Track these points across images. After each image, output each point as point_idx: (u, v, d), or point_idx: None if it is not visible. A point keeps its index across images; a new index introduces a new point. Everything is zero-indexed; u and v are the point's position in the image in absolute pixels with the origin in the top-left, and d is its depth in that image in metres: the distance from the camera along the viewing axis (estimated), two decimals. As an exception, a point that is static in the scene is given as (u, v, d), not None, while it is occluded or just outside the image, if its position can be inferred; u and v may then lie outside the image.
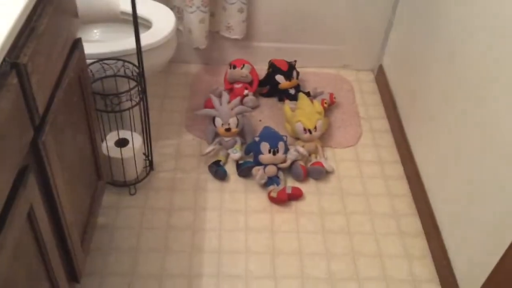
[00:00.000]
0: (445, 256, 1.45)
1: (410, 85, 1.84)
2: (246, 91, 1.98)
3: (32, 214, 0.89)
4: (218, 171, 1.70)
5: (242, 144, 1.80)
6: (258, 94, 2.04)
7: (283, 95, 2.01)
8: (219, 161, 1.74)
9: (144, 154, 1.69)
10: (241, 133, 1.82)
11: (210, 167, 1.73)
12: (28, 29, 0.90)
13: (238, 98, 1.82)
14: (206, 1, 1.86)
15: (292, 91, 2.01)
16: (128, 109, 1.46)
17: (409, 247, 1.55)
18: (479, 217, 1.30)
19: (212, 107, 1.81)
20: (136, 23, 1.37)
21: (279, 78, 2.00)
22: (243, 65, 1.98)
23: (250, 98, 1.97)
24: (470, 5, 1.41)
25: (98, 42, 1.67)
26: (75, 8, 1.13)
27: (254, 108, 1.98)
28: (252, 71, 2.00)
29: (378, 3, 2.03)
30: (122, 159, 1.54)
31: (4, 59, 0.79)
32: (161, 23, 1.63)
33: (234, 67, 1.98)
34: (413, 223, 1.62)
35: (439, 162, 1.56)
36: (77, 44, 1.16)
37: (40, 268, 0.96)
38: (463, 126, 1.41)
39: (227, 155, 1.78)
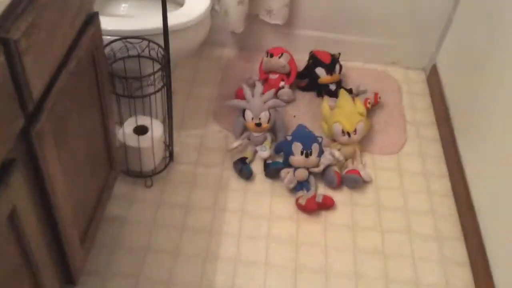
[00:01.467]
0: (494, 294, 1.26)
1: (468, 90, 1.63)
2: (282, 83, 1.80)
3: (15, 216, 0.76)
4: (243, 169, 1.55)
5: (272, 141, 1.63)
6: (295, 86, 1.86)
7: (322, 90, 1.83)
8: (246, 158, 1.58)
9: (165, 143, 1.55)
10: (272, 129, 1.65)
11: (235, 164, 1.58)
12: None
13: (272, 90, 1.65)
14: (247, -20, 1.69)
15: (332, 87, 1.82)
16: (149, 95, 1.32)
17: (451, 276, 1.36)
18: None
19: (244, 97, 1.65)
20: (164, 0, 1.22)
21: (320, 71, 1.81)
22: (282, 54, 1.80)
23: (285, 91, 1.79)
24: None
25: (124, 18, 1.53)
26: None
27: (289, 102, 1.81)
28: (291, 61, 1.82)
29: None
30: (139, 148, 1.41)
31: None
32: (195, 1, 1.48)
33: (271, 55, 1.81)
34: (458, 249, 1.43)
35: (494, 183, 1.35)
36: (92, 19, 1.02)
37: (23, 272, 0.84)
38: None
39: (255, 152, 1.62)
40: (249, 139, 1.63)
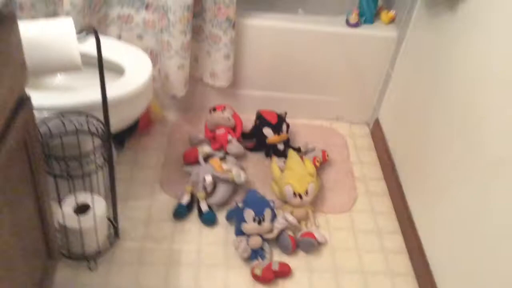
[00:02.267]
0: None
1: (411, 143, 1.66)
2: (229, 137, 1.77)
3: None
4: (205, 217, 1.56)
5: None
6: (243, 145, 1.83)
7: (270, 150, 1.81)
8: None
9: (108, 219, 1.45)
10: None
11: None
12: None
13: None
14: (187, 45, 1.67)
15: (281, 146, 1.81)
16: (90, 173, 1.23)
17: None
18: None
19: (193, 159, 1.61)
20: (102, 72, 1.16)
21: (267, 131, 1.80)
22: (224, 108, 1.78)
23: (234, 145, 1.75)
24: (482, 57, 1.24)
25: (60, 90, 1.46)
26: (22, 58, 0.92)
27: (238, 156, 1.77)
28: (234, 115, 1.81)
29: (375, 53, 1.86)
30: (81, 228, 1.30)
31: None
32: (135, 69, 1.43)
33: (215, 110, 1.78)
34: (418, 310, 1.41)
35: (446, 236, 1.36)
36: (22, 103, 0.94)
37: None
38: (476, 193, 1.22)
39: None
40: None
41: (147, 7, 1.65)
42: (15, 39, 0.87)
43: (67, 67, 1.01)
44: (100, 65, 1.13)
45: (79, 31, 1.04)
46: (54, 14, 1.64)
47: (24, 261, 1.00)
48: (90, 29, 1.05)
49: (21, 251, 0.98)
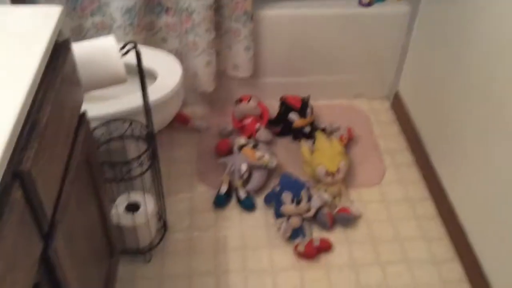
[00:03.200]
0: (498, 311, 1.32)
1: (433, 112, 1.73)
2: (257, 125, 1.85)
3: None
4: (244, 203, 1.67)
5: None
6: (271, 131, 1.91)
7: (298, 134, 1.89)
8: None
9: (158, 214, 1.56)
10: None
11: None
12: (28, 124, 0.77)
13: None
14: (212, 43, 1.74)
15: (307, 129, 1.88)
16: (140, 175, 1.33)
17: (454, 298, 1.43)
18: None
19: (225, 150, 1.71)
20: (143, 82, 1.24)
21: (293, 116, 1.88)
22: (250, 98, 1.87)
23: (262, 132, 1.84)
24: (498, 23, 1.30)
25: (99, 100, 1.55)
26: (78, 79, 1.01)
27: (268, 143, 1.85)
28: (260, 103, 1.89)
29: (389, 29, 1.91)
30: (134, 225, 1.41)
31: (4, 171, 0.67)
32: (167, 74, 1.51)
33: (240, 100, 1.87)
34: (455, 270, 1.50)
35: (477, 196, 1.43)
36: (82, 120, 1.04)
37: None
38: (503, 153, 1.29)
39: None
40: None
41: (167, 11, 1.72)
42: (71, 63, 0.96)
43: (114, 81, 1.10)
44: (142, 75, 1.21)
45: (122, 47, 1.12)
46: (80, 27, 1.72)
47: (94, 261, 1.11)
48: (129, 43, 1.14)
49: (91, 252, 1.09)
